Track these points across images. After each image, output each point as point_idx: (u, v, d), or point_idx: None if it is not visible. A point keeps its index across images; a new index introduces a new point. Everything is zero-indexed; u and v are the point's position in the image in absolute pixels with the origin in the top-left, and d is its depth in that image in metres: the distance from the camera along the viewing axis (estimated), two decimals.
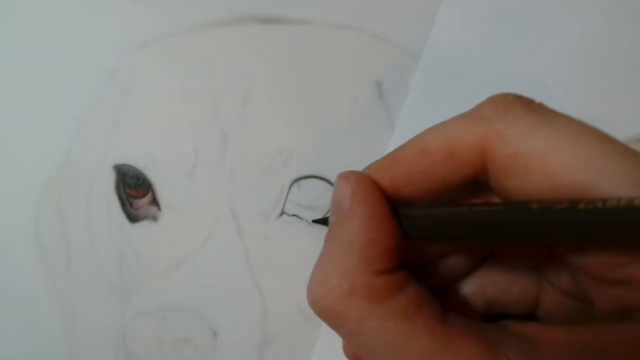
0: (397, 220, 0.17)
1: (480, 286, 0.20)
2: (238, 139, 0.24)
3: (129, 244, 0.24)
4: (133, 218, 0.24)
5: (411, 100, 0.24)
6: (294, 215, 0.24)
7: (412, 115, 0.24)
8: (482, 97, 0.17)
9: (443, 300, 0.17)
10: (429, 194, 0.17)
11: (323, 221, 0.24)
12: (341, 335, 0.17)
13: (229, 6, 0.24)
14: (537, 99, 0.16)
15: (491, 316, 0.20)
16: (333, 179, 0.24)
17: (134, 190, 0.24)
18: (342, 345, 0.21)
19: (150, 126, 0.24)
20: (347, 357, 0.21)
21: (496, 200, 0.18)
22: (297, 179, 0.24)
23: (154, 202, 0.24)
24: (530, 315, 0.20)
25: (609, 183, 0.14)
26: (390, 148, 0.24)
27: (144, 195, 0.24)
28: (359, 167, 0.18)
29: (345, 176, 0.18)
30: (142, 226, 0.24)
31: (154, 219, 0.24)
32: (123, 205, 0.24)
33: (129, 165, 0.24)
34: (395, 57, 0.25)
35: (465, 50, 0.24)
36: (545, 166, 0.15)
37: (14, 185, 0.24)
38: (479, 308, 0.20)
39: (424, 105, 0.24)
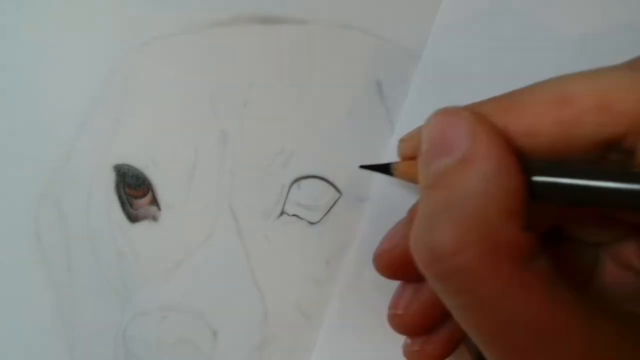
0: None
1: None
2: (238, 139, 0.24)
3: (129, 244, 0.24)
4: (133, 218, 0.24)
5: (411, 100, 0.24)
6: (294, 215, 0.24)
7: (412, 115, 0.24)
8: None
9: None
10: (551, 152, 0.14)
11: (379, 168, 0.21)
12: (460, 304, 0.14)
13: (229, 6, 0.24)
14: None
15: None
16: (333, 179, 0.24)
17: (134, 190, 0.24)
18: (389, 317, 0.19)
19: (150, 126, 0.24)
20: (399, 329, 0.19)
21: None
22: (297, 179, 0.24)
23: (154, 202, 0.24)
24: None
25: None
26: (390, 148, 0.24)
27: (144, 195, 0.24)
28: (426, 167, 0.16)
29: (455, 112, 0.14)
30: (142, 226, 0.24)
31: (154, 219, 0.24)
32: (123, 205, 0.24)
33: (129, 165, 0.24)
34: (395, 57, 0.25)
35: (465, 50, 0.24)
36: None
37: (14, 185, 0.24)
38: None
39: (424, 105, 0.24)
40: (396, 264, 0.19)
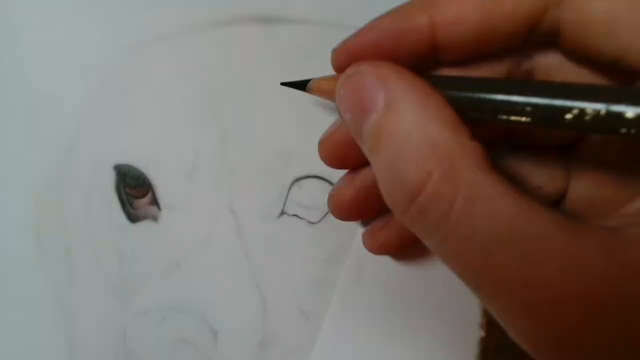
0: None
1: (500, 167, 0.17)
2: (238, 139, 0.24)
3: (129, 244, 0.24)
4: (133, 218, 0.24)
5: None
6: (294, 215, 0.24)
7: None
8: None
9: None
10: (476, 46, 0.14)
11: (298, 85, 0.21)
12: (440, 237, 0.14)
13: (229, 6, 0.24)
14: None
15: None
16: (333, 179, 0.24)
17: (134, 190, 0.24)
18: (328, 198, 0.19)
19: (150, 126, 0.24)
20: (336, 213, 0.19)
21: None
22: (297, 179, 0.24)
23: (154, 202, 0.24)
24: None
25: None
26: None
27: (144, 195, 0.24)
28: (359, 132, 0.16)
29: (353, 73, 0.15)
30: (142, 226, 0.24)
31: (154, 219, 0.24)
32: (123, 205, 0.24)
33: (129, 165, 0.24)
34: None
35: None
36: None
37: (14, 185, 0.24)
38: None
39: None
40: (337, 150, 0.19)
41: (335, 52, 0.18)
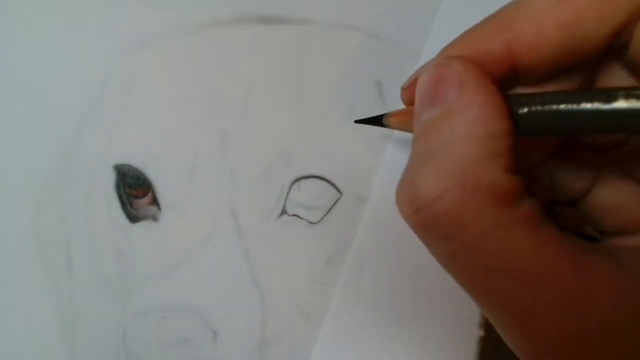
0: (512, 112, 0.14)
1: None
2: (238, 139, 0.24)
3: (129, 244, 0.24)
4: (133, 218, 0.24)
5: None
6: (294, 215, 0.24)
7: None
8: None
9: None
10: (556, 66, 0.14)
11: (373, 120, 0.20)
12: (445, 252, 0.14)
13: (229, 6, 0.24)
14: None
15: None
16: (333, 179, 0.24)
17: (134, 190, 0.24)
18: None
19: (150, 126, 0.24)
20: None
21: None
22: (297, 179, 0.24)
23: (154, 202, 0.24)
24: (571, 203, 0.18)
25: None
26: (390, 148, 0.24)
27: (144, 195, 0.24)
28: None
29: (444, 62, 0.15)
30: (142, 226, 0.24)
31: (154, 219, 0.24)
32: (123, 205, 0.24)
33: (129, 165, 0.24)
34: (395, 57, 0.25)
35: None
36: None
37: (14, 185, 0.24)
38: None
39: None
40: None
41: (405, 90, 0.18)
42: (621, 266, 0.13)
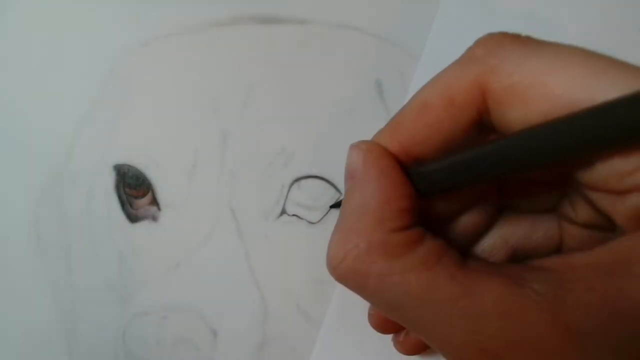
0: (410, 181, 0.17)
1: (501, 237, 0.20)
2: (238, 139, 0.24)
3: (129, 244, 0.24)
4: (133, 218, 0.24)
5: None
6: (294, 215, 0.24)
7: None
8: None
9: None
10: (437, 149, 0.17)
11: (340, 204, 0.23)
12: (364, 297, 0.17)
13: (229, 6, 0.24)
14: None
15: None
16: (333, 179, 0.24)
17: (134, 190, 0.24)
18: (368, 316, 0.22)
19: (150, 126, 0.24)
20: (373, 326, 0.21)
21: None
22: (297, 179, 0.24)
23: (154, 202, 0.24)
24: None
25: (607, 95, 0.14)
26: None
27: (144, 195, 0.24)
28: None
29: (356, 145, 0.18)
30: (142, 226, 0.24)
31: (154, 219, 0.24)
32: (123, 205, 0.24)
33: (129, 165, 0.24)
34: (395, 57, 0.25)
35: (464, 50, 0.24)
36: (543, 90, 0.15)
37: (14, 185, 0.24)
38: (503, 259, 0.20)
39: None
40: (387, 321, 0.21)
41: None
42: (517, 285, 0.15)
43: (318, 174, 0.24)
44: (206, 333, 0.24)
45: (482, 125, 0.17)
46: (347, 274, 0.17)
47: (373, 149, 0.18)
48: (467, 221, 0.20)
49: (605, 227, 0.18)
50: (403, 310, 0.16)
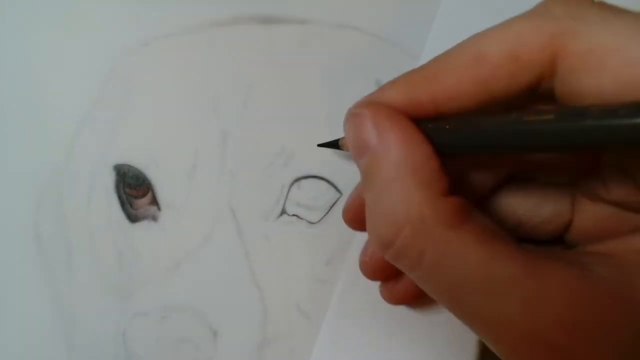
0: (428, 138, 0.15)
1: (509, 206, 0.19)
2: (238, 139, 0.24)
3: (129, 244, 0.24)
4: (133, 218, 0.24)
5: None
6: (294, 215, 0.24)
7: None
8: None
9: None
10: (475, 110, 0.15)
11: (332, 144, 0.22)
12: (417, 276, 0.16)
13: (229, 6, 0.24)
14: None
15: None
16: (333, 179, 0.24)
17: (134, 190, 0.24)
18: (360, 263, 0.21)
19: (150, 126, 0.24)
20: (365, 273, 0.20)
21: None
22: (297, 179, 0.24)
23: (154, 202, 0.24)
24: (557, 240, 0.19)
25: None
26: None
27: (144, 195, 0.24)
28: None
29: (357, 112, 0.16)
30: (142, 226, 0.24)
31: (154, 219, 0.24)
32: (123, 205, 0.24)
33: (129, 165, 0.24)
34: (395, 57, 0.25)
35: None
36: (623, 60, 0.13)
37: (14, 185, 0.24)
38: (509, 228, 0.19)
39: None
40: (359, 216, 0.19)
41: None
42: (580, 270, 0.14)
43: (318, 174, 0.24)
44: (206, 333, 0.24)
45: (535, 91, 0.15)
46: (401, 253, 0.15)
47: (379, 109, 0.16)
48: (472, 180, 0.18)
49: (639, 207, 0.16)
50: (458, 290, 0.15)
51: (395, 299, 0.21)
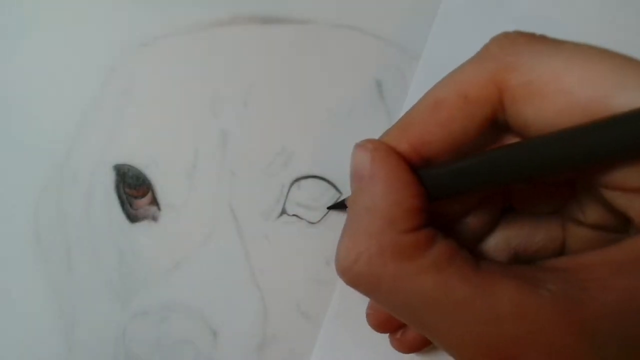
0: (420, 182, 0.17)
1: (504, 239, 0.20)
2: (238, 139, 0.24)
3: (129, 244, 0.24)
4: (133, 218, 0.24)
5: (411, 100, 0.24)
6: (294, 215, 0.24)
7: None
8: None
9: None
10: (449, 150, 0.17)
11: (338, 206, 0.23)
12: (376, 300, 0.17)
13: (229, 6, 0.24)
14: None
15: None
16: (333, 179, 0.24)
17: (134, 190, 0.24)
18: (366, 315, 0.21)
19: (150, 126, 0.24)
20: (372, 325, 0.21)
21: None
22: (297, 179, 0.24)
23: (154, 202, 0.24)
24: None
25: (621, 94, 0.14)
26: None
27: (144, 195, 0.24)
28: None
29: (363, 145, 0.18)
30: (142, 226, 0.24)
31: (154, 219, 0.24)
32: (123, 205, 0.24)
33: (129, 165, 0.24)
34: (395, 57, 0.25)
35: (465, 50, 0.24)
36: (560, 86, 0.15)
37: (14, 185, 0.24)
38: (505, 262, 0.20)
39: None
40: (382, 318, 0.21)
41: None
42: (530, 286, 0.15)
43: (318, 174, 0.24)
44: (206, 333, 0.24)
45: (495, 125, 0.17)
46: (358, 278, 0.16)
47: (380, 148, 0.17)
48: (470, 223, 0.20)
49: (615, 228, 0.18)
50: (416, 312, 0.16)
51: (405, 348, 0.22)
